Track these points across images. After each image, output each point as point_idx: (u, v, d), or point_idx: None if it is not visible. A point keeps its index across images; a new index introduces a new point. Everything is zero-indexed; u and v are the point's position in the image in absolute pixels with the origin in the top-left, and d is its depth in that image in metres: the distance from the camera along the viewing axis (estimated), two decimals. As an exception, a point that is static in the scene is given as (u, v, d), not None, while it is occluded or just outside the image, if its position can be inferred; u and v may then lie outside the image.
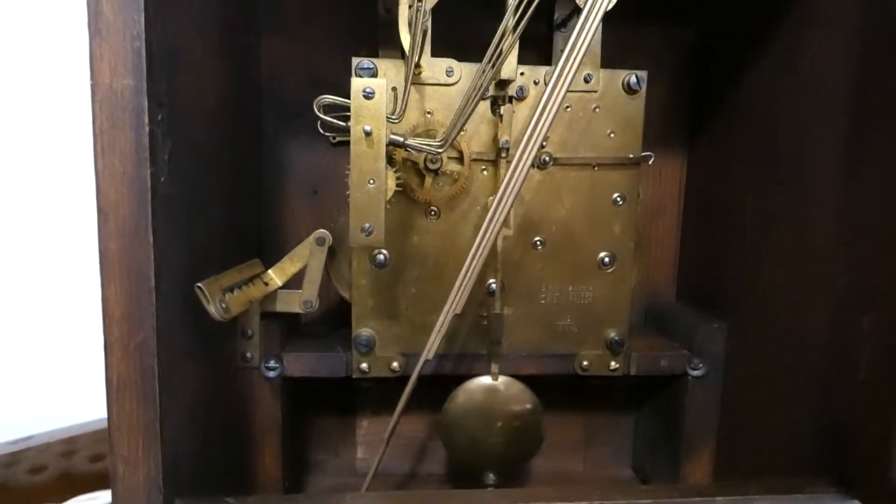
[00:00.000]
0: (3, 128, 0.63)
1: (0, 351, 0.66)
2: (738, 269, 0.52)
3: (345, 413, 0.62)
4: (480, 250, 0.41)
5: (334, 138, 0.56)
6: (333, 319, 0.59)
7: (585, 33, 0.39)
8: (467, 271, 0.42)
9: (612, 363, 0.52)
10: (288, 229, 0.57)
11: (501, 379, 0.50)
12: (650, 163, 0.50)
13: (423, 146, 0.43)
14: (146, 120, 0.31)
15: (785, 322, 0.46)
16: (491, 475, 0.52)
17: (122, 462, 0.33)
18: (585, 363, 0.52)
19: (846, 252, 0.40)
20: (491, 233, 0.41)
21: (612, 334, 0.51)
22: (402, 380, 0.50)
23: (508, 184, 0.41)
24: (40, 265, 0.65)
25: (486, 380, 0.50)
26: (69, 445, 0.62)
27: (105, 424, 0.64)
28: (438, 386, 0.51)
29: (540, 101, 0.41)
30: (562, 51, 0.50)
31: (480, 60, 0.45)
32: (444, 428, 0.51)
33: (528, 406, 0.51)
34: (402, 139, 0.42)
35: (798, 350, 0.45)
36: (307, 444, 0.61)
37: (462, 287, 0.42)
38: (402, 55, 0.47)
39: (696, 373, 0.53)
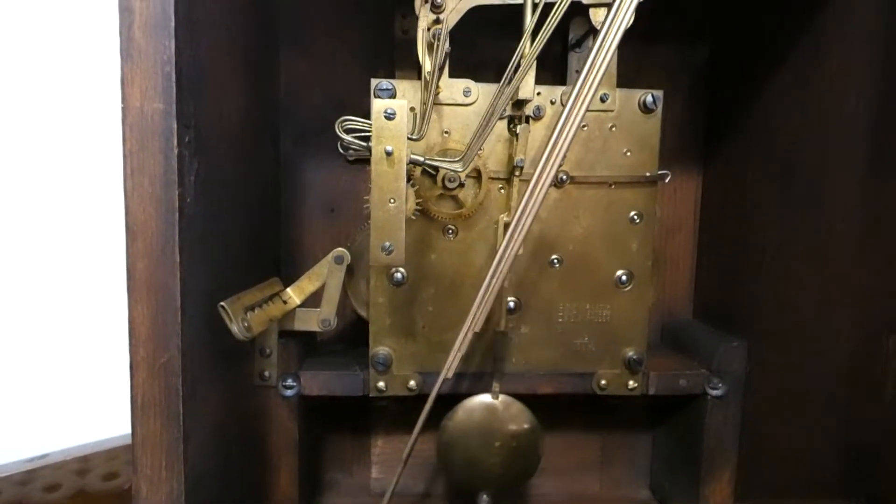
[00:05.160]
0: (29, 148, 0.64)
1: (15, 370, 0.66)
2: (756, 288, 0.51)
3: (359, 432, 0.62)
4: (500, 268, 0.41)
5: (351, 155, 0.56)
6: (348, 338, 0.59)
7: (604, 54, 0.39)
8: (487, 289, 0.42)
9: (631, 382, 0.52)
10: (305, 247, 0.58)
11: (501, 398, 0.50)
12: (667, 181, 0.50)
13: (443, 166, 0.44)
14: (175, 142, 0.32)
15: (806, 341, 0.46)
16: (485, 496, 0.51)
17: (145, 481, 0.32)
18: (603, 382, 0.52)
19: (870, 271, 0.40)
20: (510, 251, 0.41)
21: (630, 353, 0.51)
22: (417, 399, 0.50)
23: (527, 204, 0.41)
24: (55, 285, 0.66)
25: (485, 398, 0.50)
26: (83, 463, 0.62)
27: (119, 443, 0.64)
28: (454, 405, 0.51)
29: (556, 120, 0.41)
30: (577, 71, 0.51)
31: (496, 80, 0.45)
32: (441, 445, 0.51)
33: (527, 426, 0.50)
34: (422, 159, 0.43)
35: (821, 369, 0.44)
36: (321, 463, 0.61)
37: (482, 305, 0.42)
38: (419, 75, 0.48)
39: (715, 392, 0.52)
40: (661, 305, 0.61)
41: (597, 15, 0.46)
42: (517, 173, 0.47)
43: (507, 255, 0.41)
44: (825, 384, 0.44)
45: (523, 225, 0.41)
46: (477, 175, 0.47)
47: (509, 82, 0.44)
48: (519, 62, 0.44)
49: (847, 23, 0.42)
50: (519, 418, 0.50)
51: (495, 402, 0.50)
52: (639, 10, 0.40)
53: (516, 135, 0.48)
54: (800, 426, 0.46)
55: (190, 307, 0.34)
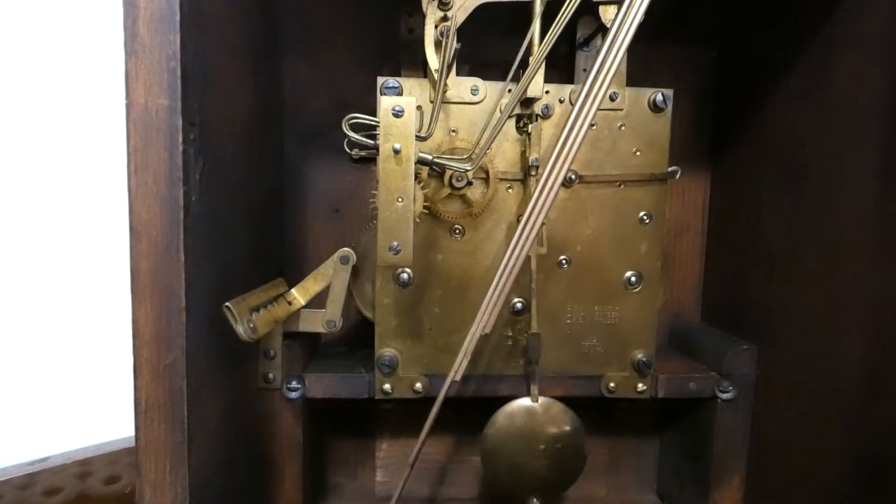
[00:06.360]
0: (31, 146, 0.63)
1: (16, 372, 0.65)
2: (766, 291, 0.51)
3: (363, 435, 0.61)
4: (510, 269, 0.41)
5: (356, 153, 0.56)
6: (352, 340, 0.58)
7: (615, 51, 0.39)
8: (496, 290, 0.41)
9: (640, 385, 0.51)
10: (309, 248, 0.57)
11: (541, 400, 0.49)
12: (677, 177, 0.49)
13: (451, 165, 0.43)
14: (179, 139, 0.31)
15: (817, 345, 0.45)
16: (535, 500, 0.50)
17: (149, 486, 0.32)
18: (612, 385, 0.51)
19: (882, 274, 0.39)
20: (520, 251, 0.40)
21: (640, 355, 0.50)
22: (423, 401, 0.49)
23: (537, 203, 0.40)
24: (57, 286, 0.65)
25: (525, 402, 0.49)
26: (84, 467, 0.62)
27: (121, 446, 0.64)
28: (460, 408, 0.50)
29: (565, 119, 0.41)
30: (584, 70, 0.51)
31: (503, 79, 0.45)
32: (484, 453, 0.50)
33: (569, 427, 0.49)
34: (430, 157, 0.42)
35: (831, 374, 0.43)
36: (325, 466, 0.60)
37: (491, 306, 0.41)
38: (425, 74, 0.47)
39: (725, 396, 0.52)
40: (669, 307, 0.60)
41: (606, 13, 0.46)
42: (533, 173, 0.47)
43: (517, 256, 0.40)
44: (836, 389, 0.43)
45: (533, 225, 0.40)
46: (485, 174, 0.47)
47: (517, 80, 0.43)
48: (526, 60, 0.44)
49: (858, 27, 0.41)
50: (560, 419, 0.49)
51: (535, 404, 0.49)
52: (648, 9, 0.39)
53: (525, 133, 0.47)
54: (810, 431, 0.45)
55: (194, 308, 0.33)
